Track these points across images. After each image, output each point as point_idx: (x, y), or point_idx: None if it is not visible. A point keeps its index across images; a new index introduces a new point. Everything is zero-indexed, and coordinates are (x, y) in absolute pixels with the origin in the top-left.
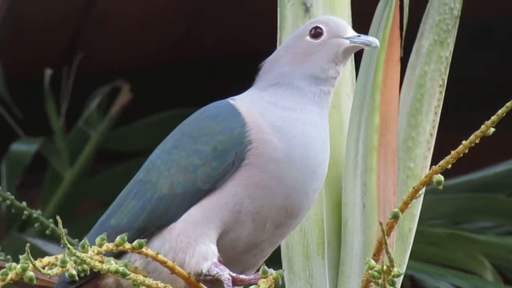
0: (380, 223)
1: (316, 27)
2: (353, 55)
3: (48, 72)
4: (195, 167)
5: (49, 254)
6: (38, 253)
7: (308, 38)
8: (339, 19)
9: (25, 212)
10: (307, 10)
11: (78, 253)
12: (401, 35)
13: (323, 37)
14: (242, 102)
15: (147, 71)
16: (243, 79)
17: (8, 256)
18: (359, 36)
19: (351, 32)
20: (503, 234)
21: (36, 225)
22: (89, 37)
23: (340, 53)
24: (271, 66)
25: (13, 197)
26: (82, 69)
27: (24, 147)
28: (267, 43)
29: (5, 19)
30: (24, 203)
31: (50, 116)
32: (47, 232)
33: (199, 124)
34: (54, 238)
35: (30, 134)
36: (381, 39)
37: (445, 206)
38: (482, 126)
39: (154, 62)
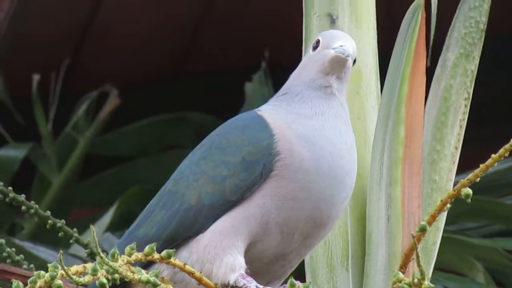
0: (413, 236)
1: (317, 40)
2: (378, 67)
3: (36, 78)
4: (223, 178)
5: (39, 257)
6: (27, 256)
7: (310, 51)
8: (338, 31)
9: (49, 221)
10: (333, 22)
11: (110, 263)
12: (427, 48)
13: (318, 49)
14: (268, 113)
15: (143, 85)
16: (232, 92)
17: (31, 265)
18: (341, 46)
19: (341, 43)
20: (489, 235)
21: (60, 234)
22: (88, 52)
23: (326, 63)
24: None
25: (37, 206)
26: (79, 82)
27: (12, 153)
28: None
29: (7, 32)
30: (48, 212)
31: (39, 121)
32: (71, 241)
33: (228, 135)
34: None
35: (18, 140)
36: (407, 51)
37: None
38: None
39: (152, 77)
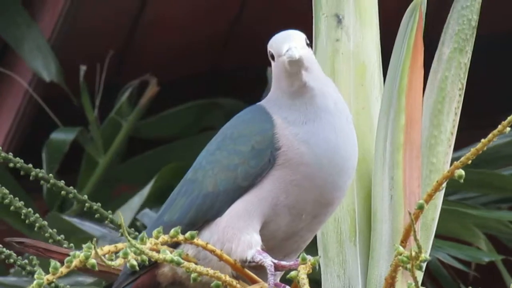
0: (409, 213)
1: (269, 51)
2: (380, 61)
3: (83, 68)
4: (235, 166)
5: (85, 232)
6: (75, 230)
7: (272, 62)
8: (280, 35)
9: (87, 204)
10: (339, 21)
11: (137, 245)
12: (424, 44)
13: (275, 59)
14: (269, 109)
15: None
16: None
17: (71, 244)
18: (287, 50)
19: (286, 47)
20: (486, 203)
21: (96, 215)
22: (134, 49)
23: (288, 68)
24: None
25: (75, 191)
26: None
27: (62, 136)
28: None
29: (64, 23)
30: (85, 196)
31: (86, 108)
32: (106, 222)
33: (238, 127)
34: (90, 217)
35: (67, 125)
36: (406, 47)
37: None
38: (499, 126)
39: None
